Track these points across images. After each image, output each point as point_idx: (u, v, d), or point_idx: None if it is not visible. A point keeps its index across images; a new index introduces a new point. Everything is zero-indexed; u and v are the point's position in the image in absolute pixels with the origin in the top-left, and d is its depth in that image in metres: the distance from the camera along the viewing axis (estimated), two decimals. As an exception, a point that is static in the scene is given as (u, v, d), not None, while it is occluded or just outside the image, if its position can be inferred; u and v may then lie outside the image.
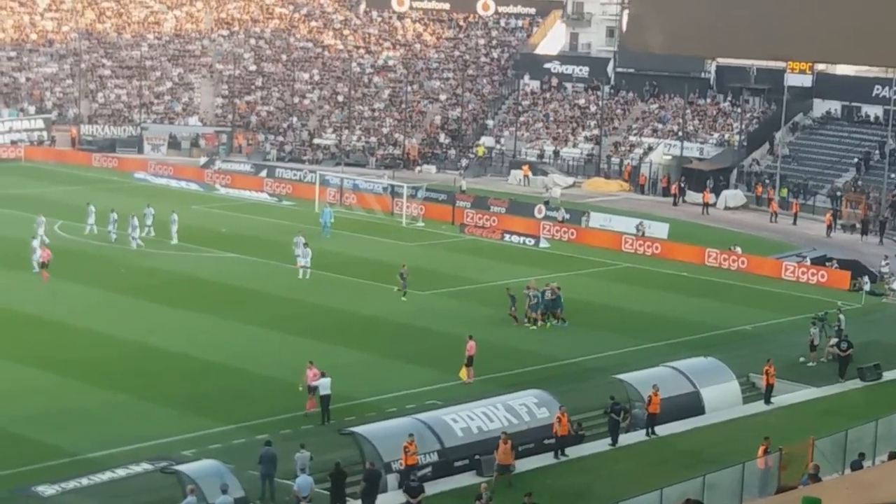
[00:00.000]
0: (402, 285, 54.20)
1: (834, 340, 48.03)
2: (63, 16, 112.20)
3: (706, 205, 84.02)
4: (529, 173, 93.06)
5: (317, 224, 70.74)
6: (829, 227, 77.49)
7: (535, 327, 50.43)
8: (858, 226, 77.60)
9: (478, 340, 44.36)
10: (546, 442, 36.88)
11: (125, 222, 63.69)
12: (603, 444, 38.24)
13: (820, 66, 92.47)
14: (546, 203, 79.46)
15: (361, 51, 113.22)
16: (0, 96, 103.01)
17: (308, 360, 39.87)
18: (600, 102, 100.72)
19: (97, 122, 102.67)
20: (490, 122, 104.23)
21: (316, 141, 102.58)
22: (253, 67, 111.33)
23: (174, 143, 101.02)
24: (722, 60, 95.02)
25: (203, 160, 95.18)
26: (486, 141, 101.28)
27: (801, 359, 47.92)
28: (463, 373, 43.43)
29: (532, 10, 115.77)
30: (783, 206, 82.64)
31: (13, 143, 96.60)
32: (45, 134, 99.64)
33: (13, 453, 35.09)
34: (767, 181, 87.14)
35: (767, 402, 42.80)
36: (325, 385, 38.66)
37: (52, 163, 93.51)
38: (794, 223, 79.94)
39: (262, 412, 38.18)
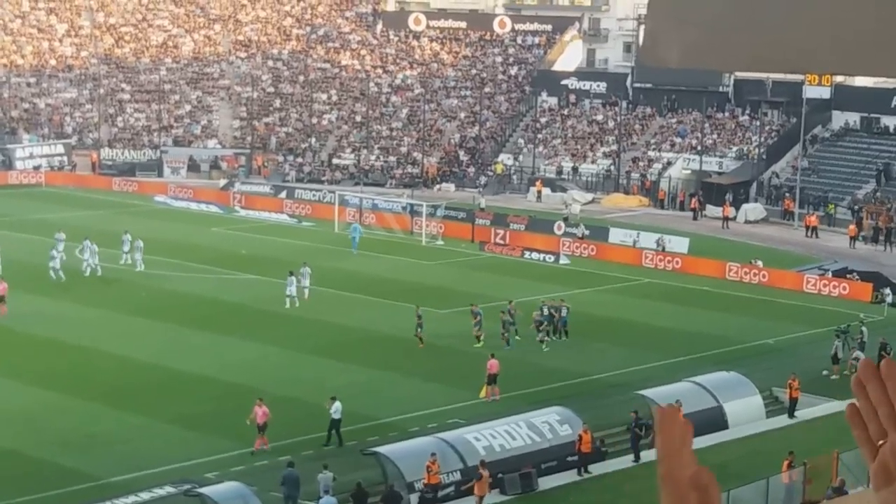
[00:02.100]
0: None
1: (857, 353, 47.80)
2: (82, 41, 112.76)
3: (726, 219, 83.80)
4: (542, 189, 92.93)
5: (335, 244, 70.98)
6: (853, 239, 77.18)
7: (508, 347, 49.34)
8: (882, 237, 77.26)
9: (500, 358, 44.27)
10: (569, 459, 36.78)
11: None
12: (626, 461, 38.11)
13: (838, 78, 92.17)
14: (565, 219, 79.40)
15: (379, 70, 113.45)
16: (20, 122, 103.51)
17: (258, 398, 38.48)
18: (618, 118, 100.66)
19: (117, 146, 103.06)
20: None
21: (335, 161, 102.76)
22: (271, 89, 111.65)
23: (193, 166, 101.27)
24: (740, 74, 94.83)
25: (222, 182, 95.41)
26: (505, 158, 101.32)
27: (825, 372, 47.70)
28: (484, 391, 43.36)
29: (549, 27, 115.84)
30: (830, 222, 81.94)
31: (34, 168, 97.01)
32: (65, 159, 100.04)
33: (36, 478, 35.15)
34: (787, 194, 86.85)
35: (791, 415, 42.63)
36: (336, 409, 38.29)
37: (73, 187, 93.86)
38: (813, 236, 79.46)
39: (285, 433, 38.17)
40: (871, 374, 2.37)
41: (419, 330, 49.87)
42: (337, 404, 38.35)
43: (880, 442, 2.35)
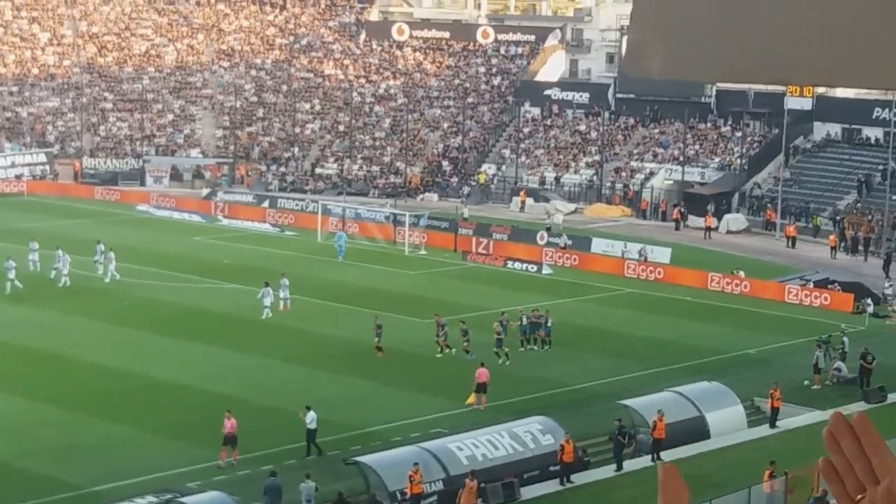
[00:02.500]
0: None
1: (838, 363, 47.98)
2: (64, 50, 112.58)
3: (708, 229, 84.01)
4: (526, 199, 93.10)
5: (318, 254, 71.01)
6: (834, 249, 77.44)
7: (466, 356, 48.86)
8: (862, 247, 77.53)
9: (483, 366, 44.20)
10: (551, 469, 36.81)
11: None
12: (608, 471, 38.17)
13: (820, 90, 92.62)
14: (548, 229, 79.50)
15: (362, 80, 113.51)
16: (2, 131, 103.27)
17: (227, 410, 38.08)
18: (601, 128, 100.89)
19: (99, 155, 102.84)
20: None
21: (318, 171, 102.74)
22: (254, 98, 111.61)
23: (176, 175, 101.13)
24: (722, 85, 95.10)
25: (205, 191, 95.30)
26: (488, 168, 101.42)
27: (806, 382, 47.84)
28: (471, 398, 43.43)
29: (531, 38, 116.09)
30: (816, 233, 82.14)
31: (16, 177, 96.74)
32: (47, 168, 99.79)
33: (18, 488, 35.05)
34: (769, 204, 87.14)
35: (773, 425, 42.73)
36: (311, 419, 38.15)
37: (55, 196, 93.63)
38: (792, 246, 79.70)
39: (267, 443, 38.12)
40: (843, 428, 2.36)
41: (377, 339, 49.66)
42: (311, 414, 38.16)
43: (859, 497, 2.35)
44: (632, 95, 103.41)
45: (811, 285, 65.24)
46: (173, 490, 34.10)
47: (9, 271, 60.13)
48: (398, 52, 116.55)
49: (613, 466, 38.19)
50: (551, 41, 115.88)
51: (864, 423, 2.37)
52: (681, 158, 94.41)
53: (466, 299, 60.40)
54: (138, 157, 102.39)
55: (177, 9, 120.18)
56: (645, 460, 38.96)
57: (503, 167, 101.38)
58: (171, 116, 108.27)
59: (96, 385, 45.06)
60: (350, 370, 47.58)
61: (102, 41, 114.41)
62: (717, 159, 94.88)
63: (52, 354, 48.89)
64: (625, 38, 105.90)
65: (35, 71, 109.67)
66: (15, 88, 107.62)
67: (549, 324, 52.27)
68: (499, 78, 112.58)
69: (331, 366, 47.98)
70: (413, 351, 50.86)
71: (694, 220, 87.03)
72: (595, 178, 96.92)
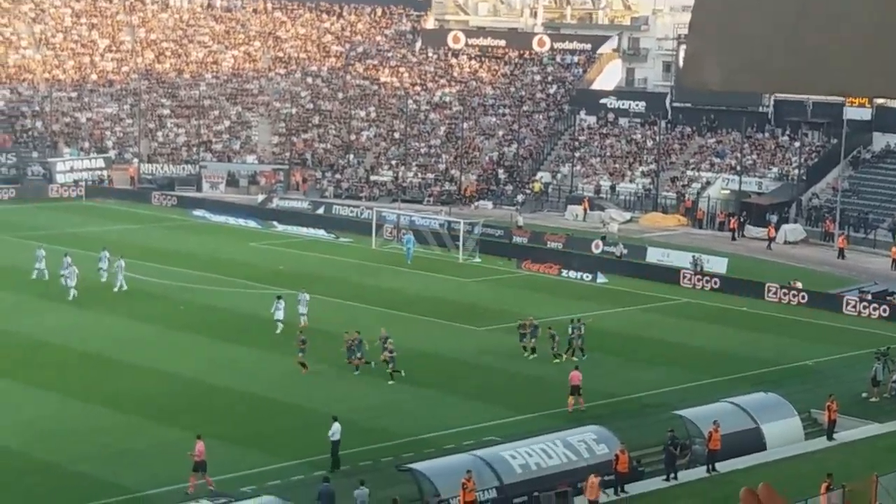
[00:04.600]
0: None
1: (896, 376, 47.44)
2: (123, 56, 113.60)
3: (770, 240, 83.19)
4: (587, 208, 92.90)
5: (372, 261, 71.38)
6: (895, 261, 76.52)
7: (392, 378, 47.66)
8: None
9: (534, 376, 44.19)
10: (605, 478, 36.62)
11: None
12: (663, 481, 37.89)
13: (879, 100, 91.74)
14: (603, 238, 79.24)
15: (417, 88, 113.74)
16: (61, 136, 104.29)
17: (197, 434, 36.57)
18: (657, 137, 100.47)
19: (156, 160, 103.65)
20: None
21: (372, 178, 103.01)
22: (310, 105, 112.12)
23: (232, 181, 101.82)
24: (780, 95, 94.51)
25: (261, 198, 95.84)
26: (543, 176, 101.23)
27: (864, 394, 47.36)
28: (570, 401, 43.97)
29: (587, 46, 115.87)
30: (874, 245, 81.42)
31: (74, 182, 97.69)
32: (105, 173, 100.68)
33: (74, 492, 35.35)
34: (827, 215, 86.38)
35: (830, 438, 42.29)
36: (335, 431, 37.82)
37: (112, 202, 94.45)
38: (841, 257, 78.91)
39: (321, 448, 38.17)
40: (752, 501, 2.35)
41: (359, 354, 48.06)
42: (336, 426, 37.90)
43: None
44: (688, 104, 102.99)
45: (870, 297, 64.56)
46: (227, 494, 34.23)
47: (105, 273, 61.49)
48: (454, 60, 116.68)
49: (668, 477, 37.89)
50: (608, 50, 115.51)
51: (769, 490, 2.36)
52: (738, 168, 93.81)
53: (520, 308, 60.25)
54: (195, 162, 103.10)
55: (234, 16, 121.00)
56: (700, 471, 38.70)
57: (558, 176, 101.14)
58: (227, 123, 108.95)
59: (151, 389, 45.38)
60: (403, 378, 47.58)
61: (160, 48, 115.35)
62: (774, 169, 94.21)
63: (106, 358, 49.29)
64: (682, 48, 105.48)
65: (94, 77, 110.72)
66: (74, 94, 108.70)
67: (582, 332, 51.78)
68: (554, 86, 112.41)
69: (384, 373, 47.97)
70: (467, 359, 50.79)
71: (750, 230, 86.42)
72: (651, 187, 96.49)
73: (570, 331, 51.62)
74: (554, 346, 50.47)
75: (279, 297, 54.76)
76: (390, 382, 46.71)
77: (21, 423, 41.14)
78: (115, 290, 60.95)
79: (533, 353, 50.69)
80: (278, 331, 53.31)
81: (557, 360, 49.89)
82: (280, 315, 53.83)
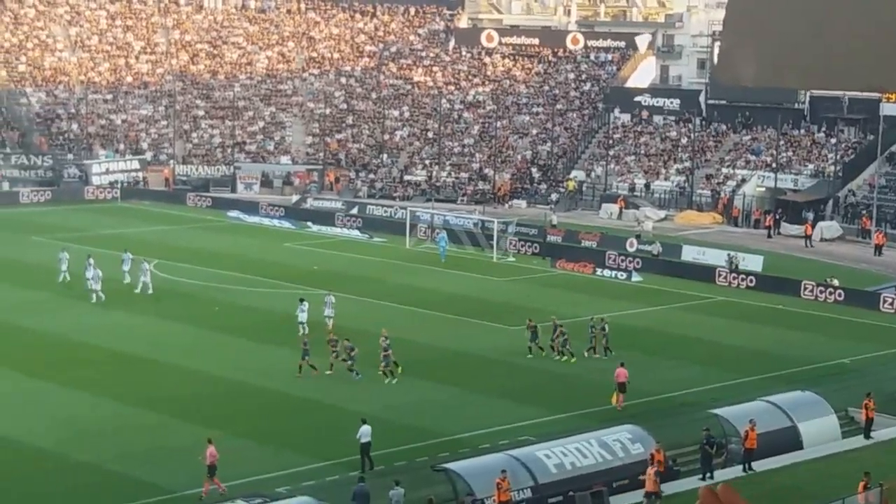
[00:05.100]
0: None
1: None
2: (158, 58, 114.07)
3: (808, 237, 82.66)
4: (623, 206, 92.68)
5: (406, 260, 71.47)
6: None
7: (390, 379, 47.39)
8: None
9: (569, 375, 44.07)
10: (641, 478, 36.47)
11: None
12: (698, 480, 37.71)
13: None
14: (638, 237, 78.99)
15: (451, 87, 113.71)
16: (97, 138, 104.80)
17: (207, 438, 36.29)
18: (692, 134, 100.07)
19: (191, 162, 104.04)
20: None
21: (406, 177, 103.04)
22: (343, 105, 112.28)
23: (266, 182, 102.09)
24: (816, 91, 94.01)
25: (295, 198, 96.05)
26: (577, 175, 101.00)
27: (902, 392, 46.99)
28: (614, 398, 44.26)
29: (622, 44, 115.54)
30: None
31: (110, 184, 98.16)
32: (140, 175, 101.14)
33: (111, 491, 35.51)
34: (864, 212, 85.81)
35: (867, 436, 41.99)
36: (365, 433, 37.75)
37: (148, 203, 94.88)
38: (879, 254, 78.44)
39: (356, 449, 38.17)
40: (711, 500, 2.30)
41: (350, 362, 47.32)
42: (365, 428, 37.73)
43: None
44: (723, 101, 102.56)
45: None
46: (263, 494, 34.28)
47: (128, 275, 61.52)
48: (487, 59, 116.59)
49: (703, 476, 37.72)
50: (642, 47, 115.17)
51: (728, 491, 2.31)
52: (773, 165, 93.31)
53: (555, 307, 60.12)
54: (229, 163, 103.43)
55: (268, 17, 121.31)
56: (736, 470, 38.51)
57: (592, 174, 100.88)
58: (261, 124, 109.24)
59: (186, 389, 45.55)
60: (437, 377, 47.60)
61: (195, 49, 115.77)
62: (810, 166, 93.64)
63: (141, 358, 49.49)
64: (716, 45, 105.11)
65: (129, 79, 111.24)
66: (109, 96, 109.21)
67: (607, 331, 51.63)
68: (588, 84, 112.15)
69: (419, 372, 48.01)
70: (501, 358, 50.73)
71: (786, 228, 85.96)
72: (685, 184, 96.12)
73: (590, 330, 51.52)
74: (554, 343, 50.66)
75: (302, 300, 54.66)
76: (387, 381, 46.69)
77: (57, 423, 41.37)
78: (137, 291, 60.96)
79: (530, 353, 50.78)
80: (300, 333, 52.77)
81: (559, 358, 50.32)
82: (303, 317, 53.71)
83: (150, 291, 60.93)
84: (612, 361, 48.59)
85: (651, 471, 34.78)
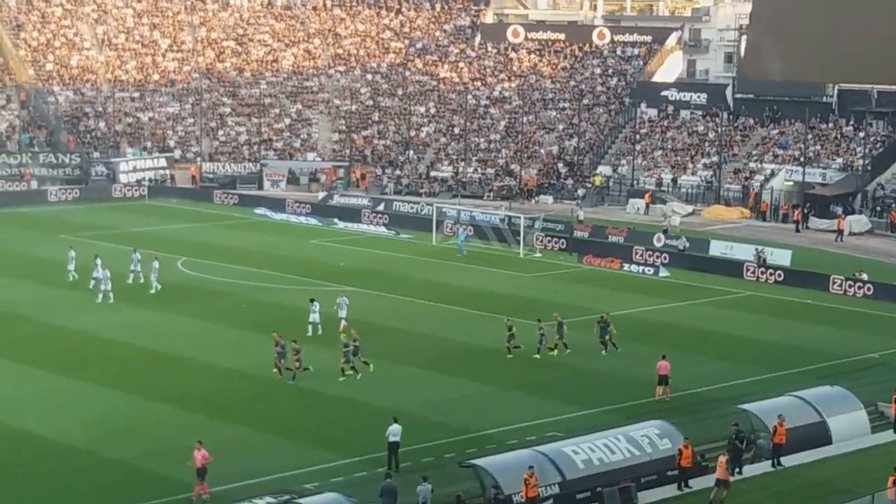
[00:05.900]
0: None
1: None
2: (184, 56, 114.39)
3: (839, 232, 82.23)
4: (649, 202, 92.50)
5: (433, 256, 71.46)
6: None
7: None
8: None
9: (598, 371, 43.92)
10: (669, 473, 36.40)
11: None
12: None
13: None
14: (665, 231, 78.80)
15: (477, 83, 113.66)
16: (124, 136, 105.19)
17: (197, 440, 35.84)
18: (719, 129, 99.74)
19: (218, 159, 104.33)
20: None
21: (432, 173, 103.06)
22: (369, 102, 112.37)
23: (293, 179, 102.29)
24: (844, 84, 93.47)
25: (321, 195, 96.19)
26: (604, 170, 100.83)
27: (932, 387, 46.70)
28: (658, 391, 44.47)
29: (648, 38, 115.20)
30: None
31: (137, 182, 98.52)
32: (167, 172, 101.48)
33: (140, 488, 35.62)
34: (893, 205, 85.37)
35: (897, 431, 41.79)
36: (395, 432, 37.54)
37: (175, 201, 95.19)
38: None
39: (383, 445, 38.20)
40: None
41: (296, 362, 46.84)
42: (395, 427, 37.49)
43: None
44: (751, 96, 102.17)
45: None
46: (291, 491, 34.32)
47: (132, 275, 60.92)
48: (513, 55, 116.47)
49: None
50: (669, 42, 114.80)
51: None
52: (801, 159, 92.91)
53: (582, 302, 60.04)
54: (256, 160, 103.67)
55: (294, 14, 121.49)
56: (765, 465, 38.37)
57: (619, 169, 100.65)
58: (287, 121, 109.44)
59: (213, 386, 45.68)
60: (464, 373, 47.59)
61: (221, 47, 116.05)
62: (838, 160, 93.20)
63: (170, 356, 49.67)
64: (743, 38, 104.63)
65: (155, 77, 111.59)
66: (136, 94, 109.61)
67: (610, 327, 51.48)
68: (615, 79, 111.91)
69: (446, 368, 48.02)
70: (528, 355, 50.67)
71: (815, 222, 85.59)
72: (713, 179, 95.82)
73: (595, 328, 51.37)
74: (542, 342, 50.39)
75: (312, 300, 54.42)
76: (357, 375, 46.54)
77: (88, 420, 41.54)
78: (152, 291, 60.92)
79: (510, 353, 50.31)
80: (309, 333, 52.59)
81: (552, 353, 50.32)
82: (315, 317, 53.55)
83: (153, 291, 60.90)
84: (625, 358, 49.05)
85: (723, 458, 34.83)
